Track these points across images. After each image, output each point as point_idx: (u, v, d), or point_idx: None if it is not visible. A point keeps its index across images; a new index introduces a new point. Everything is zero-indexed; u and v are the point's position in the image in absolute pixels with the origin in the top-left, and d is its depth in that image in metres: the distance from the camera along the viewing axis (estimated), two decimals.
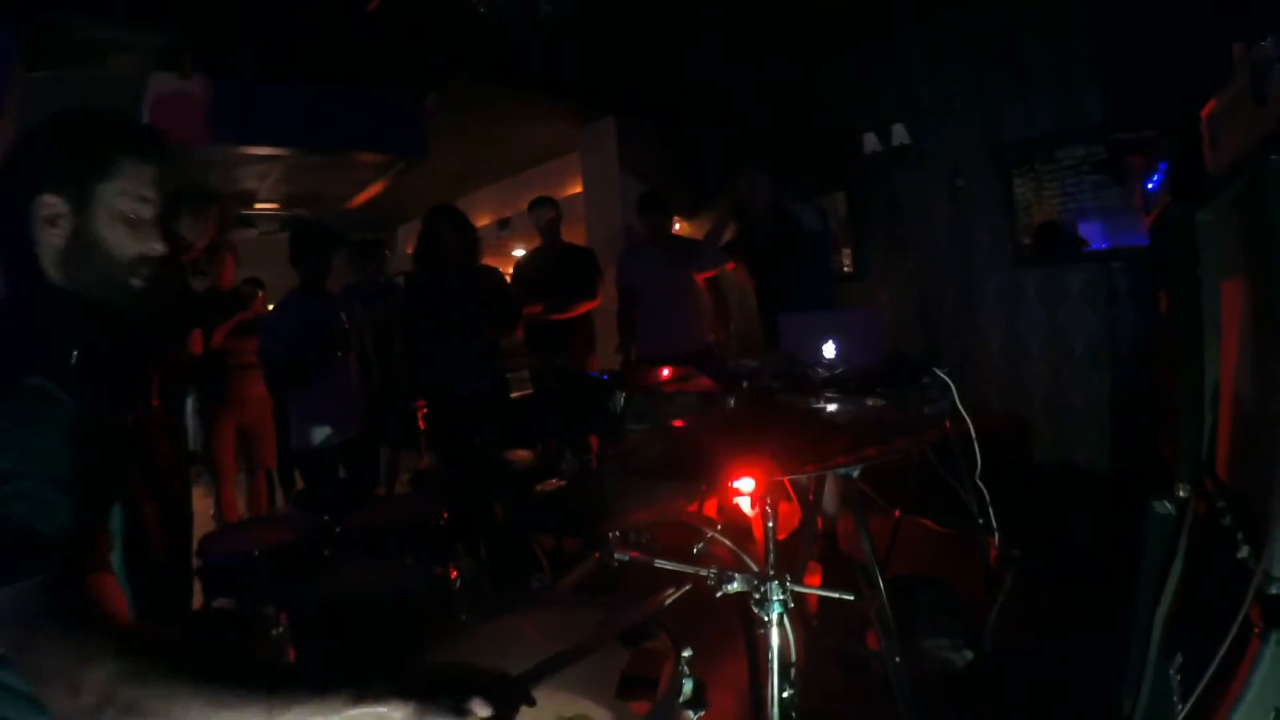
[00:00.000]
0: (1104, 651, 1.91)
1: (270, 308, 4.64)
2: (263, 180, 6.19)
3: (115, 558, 1.09)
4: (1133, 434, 3.97)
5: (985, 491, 2.68)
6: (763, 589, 1.43)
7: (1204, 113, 1.40)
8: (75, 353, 1.06)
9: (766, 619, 1.45)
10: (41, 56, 3.91)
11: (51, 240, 1.08)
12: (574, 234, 6.64)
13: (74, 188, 1.08)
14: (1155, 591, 1.62)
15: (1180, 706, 1.27)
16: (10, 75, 3.69)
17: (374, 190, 6.68)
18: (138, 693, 0.83)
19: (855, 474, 2.22)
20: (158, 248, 1.16)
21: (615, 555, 1.58)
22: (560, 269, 4.89)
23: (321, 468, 3.51)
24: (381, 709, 0.87)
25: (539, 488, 2.51)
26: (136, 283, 1.14)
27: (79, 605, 0.88)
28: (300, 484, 4.09)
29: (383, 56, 4.65)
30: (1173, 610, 1.57)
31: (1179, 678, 1.39)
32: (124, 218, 1.11)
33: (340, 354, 3.44)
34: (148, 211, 1.14)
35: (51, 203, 1.07)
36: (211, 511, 4.72)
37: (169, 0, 3.72)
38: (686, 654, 1.27)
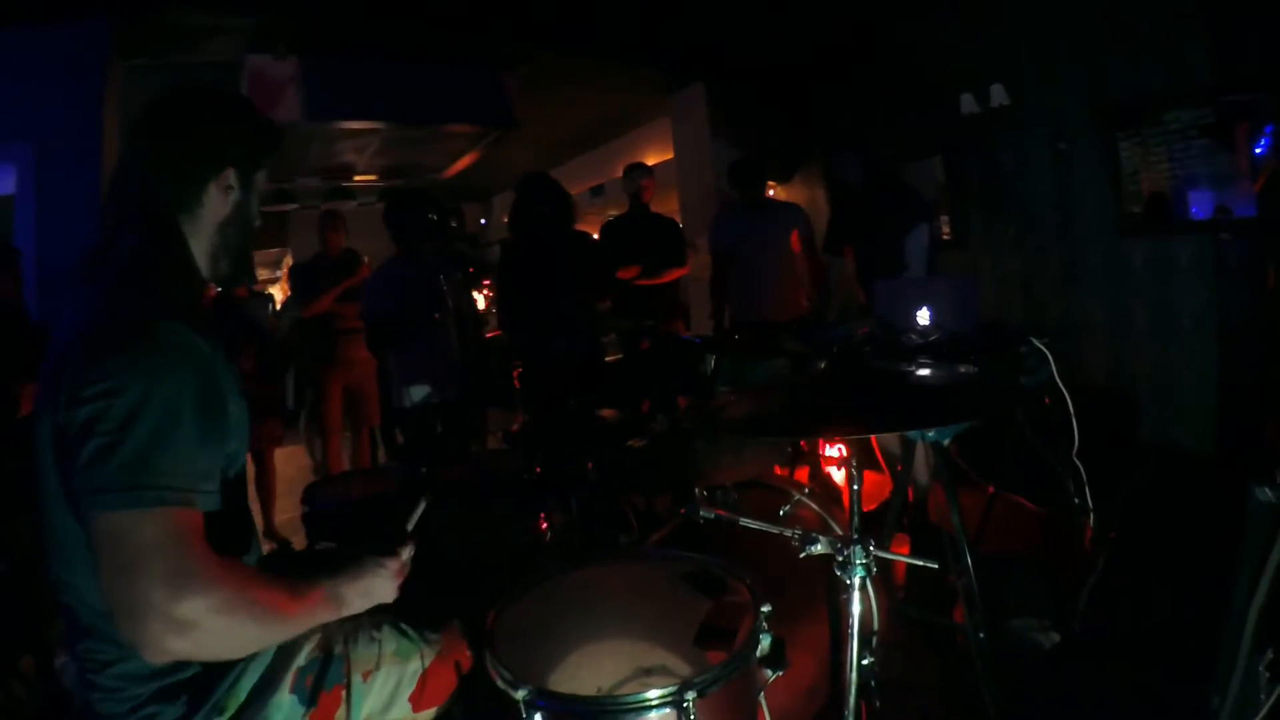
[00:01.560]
0: (1196, 642, 1.83)
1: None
2: (360, 154, 6.42)
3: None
4: (1241, 415, 3.73)
5: (1083, 470, 2.59)
6: (846, 552, 1.43)
7: None
8: (214, 307, 1.25)
9: (849, 583, 1.45)
10: (138, 45, 4.10)
11: (219, 207, 1.28)
12: (667, 201, 6.66)
13: (247, 170, 1.31)
14: (1251, 583, 1.54)
15: (1267, 701, 1.22)
16: (108, 65, 3.90)
17: (467, 160, 6.84)
18: (216, 623, 0.96)
19: (946, 442, 2.19)
20: (259, 222, 1.40)
21: (702, 513, 1.61)
22: (646, 236, 4.90)
23: (421, 425, 3.66)
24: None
25: (629, 445, 2.56)
26: (252, 249, 1.40)
27: (183, 537, 0.98)
28: (401, 441, 4.28)
29: (472, 29, 4.72)
30: (1268, 603, 1.48)
31: (1268, 674, 1.33)
32: (260, 196, 1.37)
33: (438, 316, 3.57)
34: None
35: (230, 176, 1.28)
36: (312, 465, 5.02)
37: None
38: (766, 609, 1.29)
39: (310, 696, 1.23)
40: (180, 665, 1.11)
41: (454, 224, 5.31)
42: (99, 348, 1.03)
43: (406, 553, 1.29)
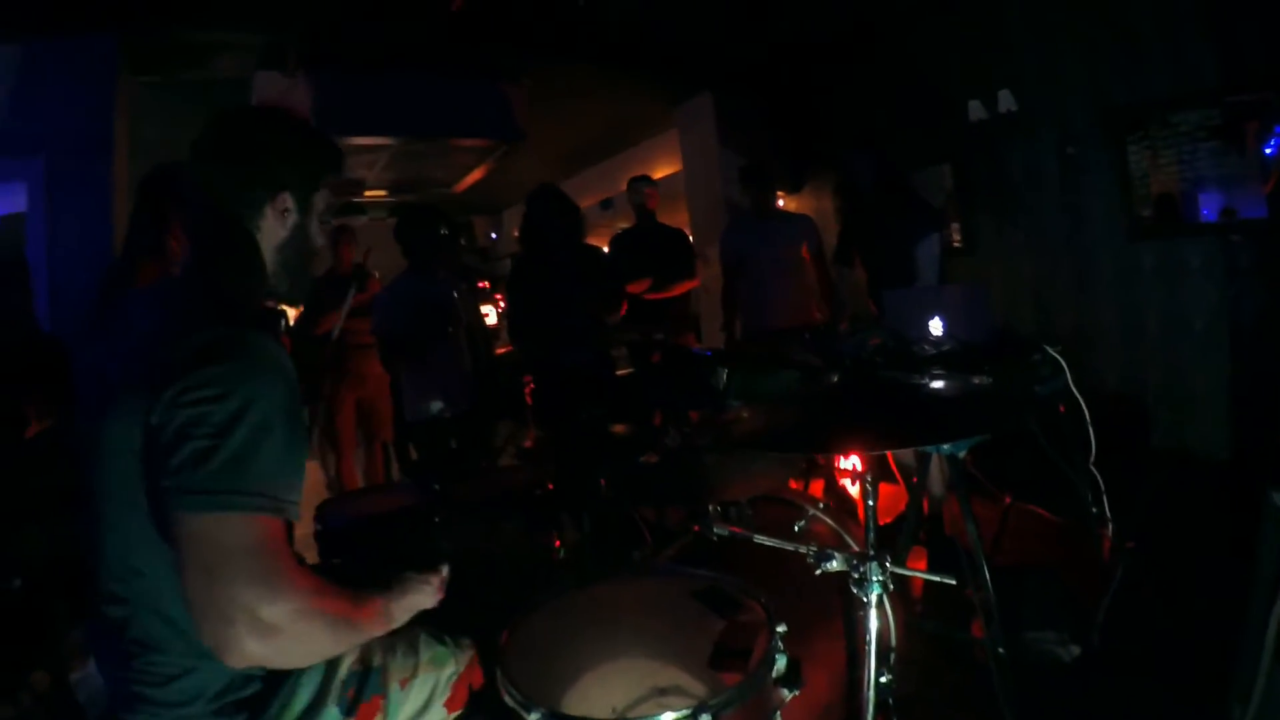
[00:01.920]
0: (1218, 653, 1.79)
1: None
2: (370, 169, 6.44)
3: None
4: (1257, 420, 3.69)
5: (1100, 479, 2.56)
6: (862, 569, 1.42)
7: None
8: (284, 321, 1.29)
9: (865, 600, 1.44)
10: (148, 61, 4.14)
11: (278, 230, 1.31)
12: (675, 212, 6.66)
13: (304, 193, 1.33)
14: (1269, 591, 1.51)
15: None
16: (118, 81, 3.93)
17: (478, 174, 6.85)
18: (297, 627, 1.00)
19: (961, 454, 2.17)
20: (322, 243, 1.40)
21: (715, 529, 1.59)
22: (655, 248, 4.90)
23: (433, 439, 3.67)
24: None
25: (642, 460, 2.55)
26: (311, 269, 1.41)
27: (272, 544, 1.01)
28: (414, 456, 4.28)
29: (479, 43, 4.74)
30: None
31: None
32: (321, 217, 1.38)
33: (451, 331, 3.59)
34: (327, 214, 1.39)
35: (287, 199, 1.30)
36: (325, 481, 5.02)
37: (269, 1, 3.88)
38: (781, 629, 1.28)
39: (351, 707, 1.26)
40: (244, 683, 1.13)
41: (463, 240, 5.34)
42: (204, 354, 1.06)
43: (445, 570, 1.34)
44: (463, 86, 5.36)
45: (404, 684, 1.34)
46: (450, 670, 1.41)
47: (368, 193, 7.19)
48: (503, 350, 5.01)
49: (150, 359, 1.08)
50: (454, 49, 4.84)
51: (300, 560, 1.16)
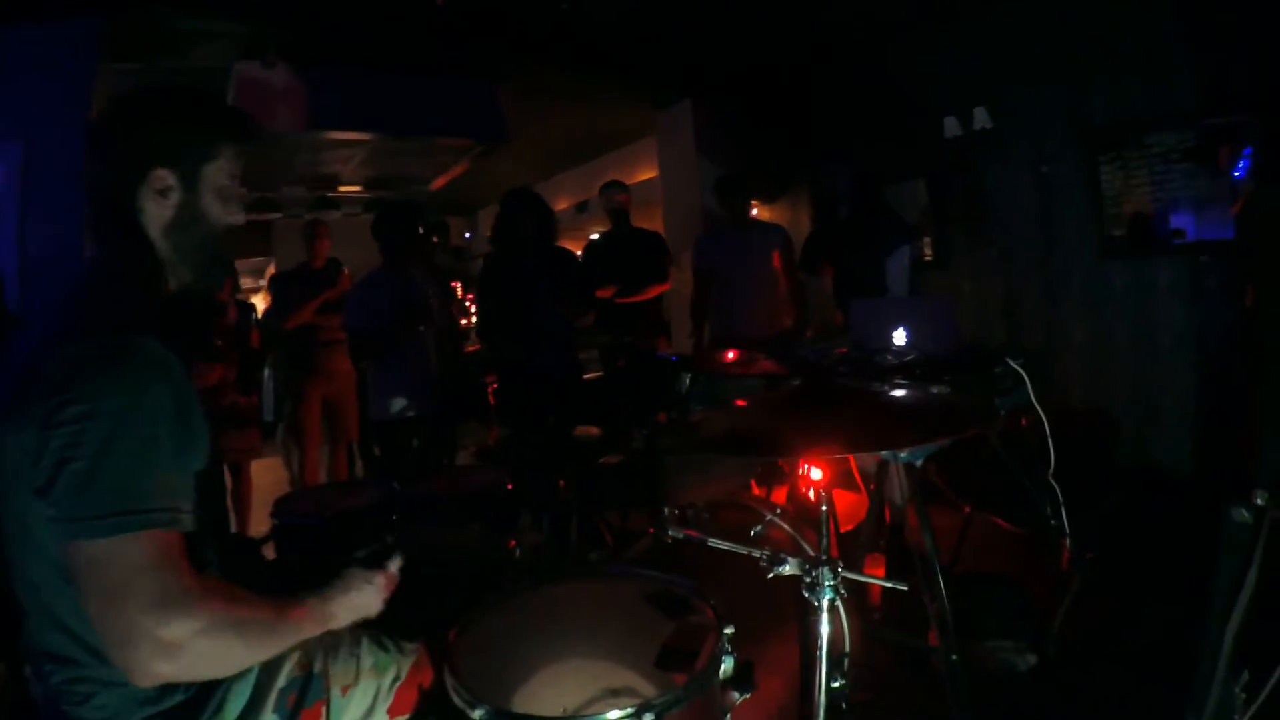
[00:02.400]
0: (1173, 664, 1.82)
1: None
2: (346, 164, 6.41)
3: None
4: (1220, 437, 3.76)
5: (1059, 491, 2.59)
6: (815, 573, 1.42)
7: None
8: (187, 319, 1.23)
9: (818, 604, 1.44)
10: (128, 48, 4.08)
11: (158, 211, 1.20)
12: (651, 218, 6.67)
13: (186, 165, 1.20)
14: (1227, 604, 1.54)
15: None
16: (98, 67, 3.89)
17: (454, 173, 6.84)
18: (201, 645, 0.95)
19: (918, 463, 2.19)
20: (241, 217, 1.29)
21: (671, 533, 1.59)
22: (629, 253, 4.91)
23: (396, 438, 3.64)
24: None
25: (603, 462, 2.55)
26: (222, 248, 1.29)
27: (167, 560, 0.96)
28: (378, 454, 4.25)
29: (461, 42, 4.73)
30: (1243, 625, 1.48)
31: (1244, 696, 1.32)
32: (221, 191, 1.24)
33: (423, 329, 3.56)
34: (234, 185, 1.26)
35: (163, 176, 1.18)
36: (289, 478, 4.97)
37: None
38: (729, 631, 1.28)
39: (291, 715, 1.22)
40: (166, 694, 1.09)
41: (436, 239, 5.32)
42: (71, 367, 0.99)
43: (394, 565, 1.30)
44: (445, 85, 5.34)
45: (345, 690, 1.30)
46: (393, 676, 1.37)
47: (342, 188, 7.15)
48: (471, 349, 4.99)
49: (29, 372, 1.02)
50: (436, 48, 4.82)
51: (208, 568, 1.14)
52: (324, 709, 1.26)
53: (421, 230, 3.80)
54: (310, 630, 1.14)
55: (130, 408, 0.98)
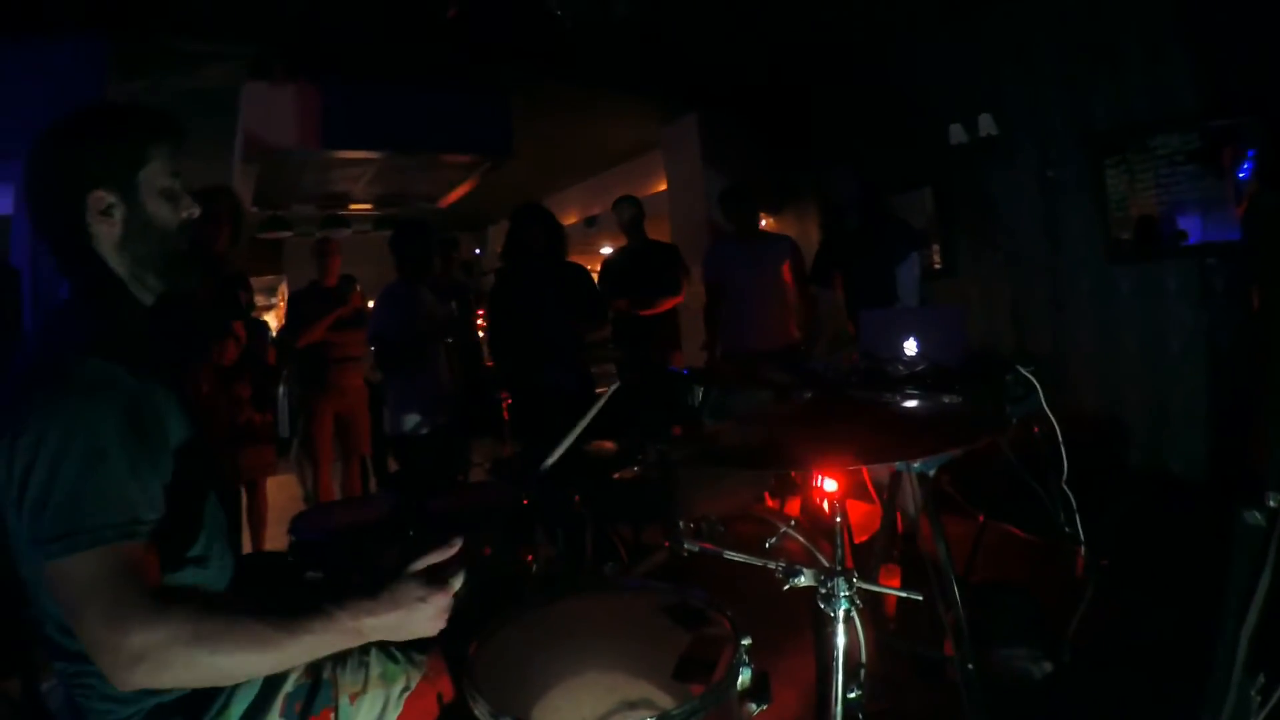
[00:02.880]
0: (1189, 669, 1.82)
1: (370, 302, 4.88)
2: (355, 182, 6.46)
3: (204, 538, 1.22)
4: (1232, 440, 3.74)
5: (1072, 498, 2.60)
6: (830, 584, 1.43)
7: None
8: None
9: (833, 615, 1.45)
10: (137, 68, 4.14)
11: (108, 230, 1.22)
12: (659, 231, 6.69)
13: (120, 179, 1.21)
14: (1241, 608, 1.54)
15: None
16: (108, 86, 3.94)
17: (463, 189, 6.88)
18: (166, 656, 0.94)
19: (931, 473, 2.20)
20: (195, 210, 1.30)
21: (686, 546, 1.60)
22: (645, 266, 4.94)
23: (413, 452, 3.67)
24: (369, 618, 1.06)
25: (617, 477, 2.56)
26: (184, 247, 1.29)
27: (121, 574, 0.98)
28: (393, 469, 4.28)
29: (467, 59, 4.78)
30: (1258, 628, 1.48)
31: (1259, 698, 1.32)
32: (164, 192, 1.25)
33: (450, 340, 3.63)
34: (178, 183, 1.27)
35: (101, 196, 1.20)
36: (303, 494, 4.99)
37: (259, 11, 3.90)
38: (746, 642, 1.29)
39: None
40: (163, 691, 1.12)
41: (452, 254, 5.38)
42: (18, 398, 1.05)
43: (457, 584, 1.16)
44: (451, 101, 5.39)
45: (354, 699, 1.30)
46: (401, 686, 1.37)
47: (352, 206, 7.20)
48: (488, 364, 5.02)
49: (4, 395, 1.08)
50: (442, 64, 4.87)
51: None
52: (332, 716, 1.27)
53: (437, 244, 3.88)
54: (339, 643, 1.07)
55: (72, 428, 1.01)
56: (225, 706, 1.17)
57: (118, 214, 1.21)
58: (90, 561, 0.96)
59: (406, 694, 1.38)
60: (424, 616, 1.10)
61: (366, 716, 1.33)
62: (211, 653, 0.96)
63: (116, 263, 1.23)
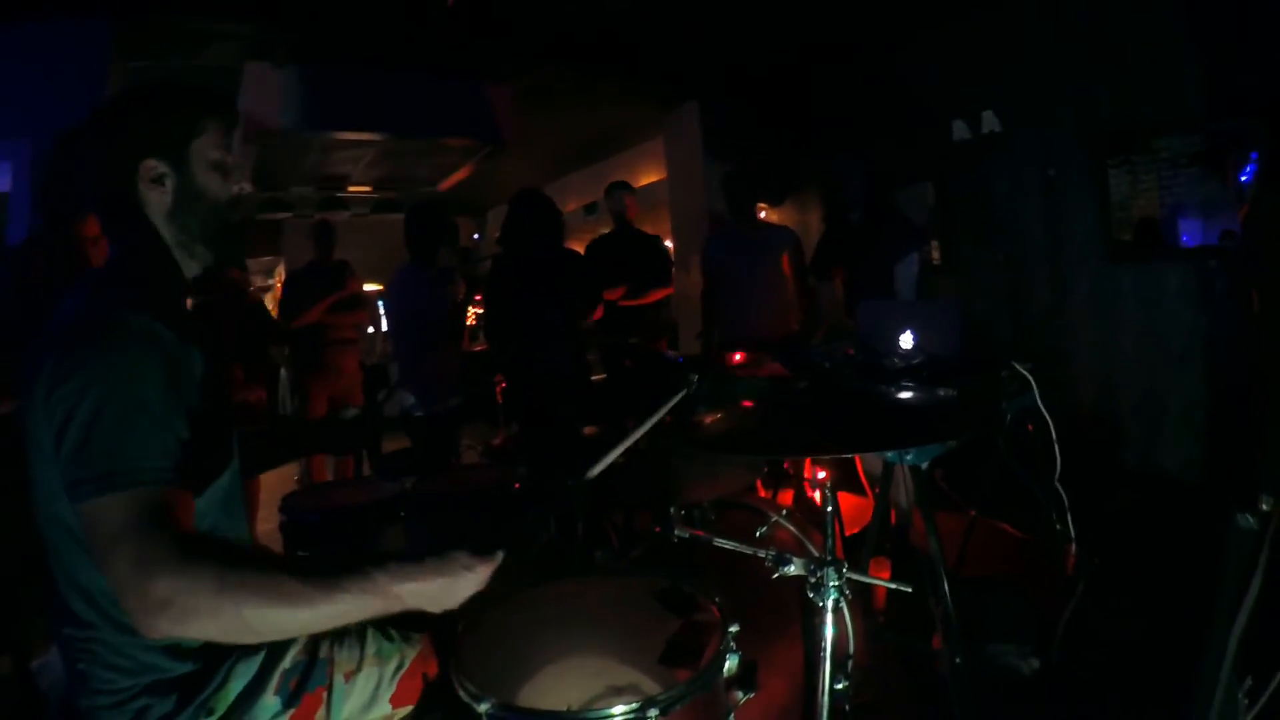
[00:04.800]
0: (1177, 670, 1.83)
1: (367, 285, 4.88)
2: (355, 165, 6.45)
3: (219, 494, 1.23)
4: (1227, 442, 3.75)
5: (1064, 496, 2.60)
6: (819, 574, 1.43)
7: None
8: (187, 299, 1.29)
9: (822, 605, 1.45)
10: (139, 46, 4.13)
11: (159, 198, 1.25)
12: (658, 219, 6.67)
13: (173, 150, 1.25)
14: (1231, 610, 1.54)
15: None
16: (109, 65, 3.92)
17: (462, 174, 6.87)
18: (192, 602, 0.94)
19: (924, 465, 2.20)
20: (245, 186, 1.35)
21: (676, 532, 1.60)
22: (629, 254, 4.91)
23: (412, 434, 3.69)
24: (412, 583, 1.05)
25: (611, 462, 2.55)
26: (234, 219, 1.33)
27: (152, 518, 0.98)
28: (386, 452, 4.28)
29: (469, 43, 4.76)
30: (1248, 631, 1.49)
31: (1247, 701, 1.32)
32: (215, 165, 1.28)
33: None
34: (229, 157, 1.30)
35: (153, 165, 1.23)
36: (295, 476, 4.99)
37: None
38: (734, 629, 1.29)
39: (292, 697, 1.24)
40: (173, 661, 1.13)
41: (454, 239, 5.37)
42: (68, 345, 1.06)
43: (500, 558, 1.15)
44: (451, 86, 5.37)
45: (349, 677, 1.31)
46: (395, 665, 1.38)
47: (351, 188, 7.19)
48: (479, 348, 5.01)
49: (45, 348, 1.09)
50: (444, 49, 4.85)
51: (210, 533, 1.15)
52: (325, 694, 1.27)
53: (449, 229, 3.93)
54: (366, 607, 1.03)
55: (116, 379, 1.03)
56: (224, 682, 1.18)
57: (169, 183, 1.25)
58: (125, 503, 0.98)
59: (401, 673, 1.38)
60: (467, 587, 1.09)
61: (360, 695, 1.33)
62: (237, 604, 0.94)
63: (165, 230, 1.27)
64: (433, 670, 1.42)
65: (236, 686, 1.19)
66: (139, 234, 1.26)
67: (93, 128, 1.26)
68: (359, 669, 1.33)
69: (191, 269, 1.31)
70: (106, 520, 0.97)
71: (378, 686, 1.35)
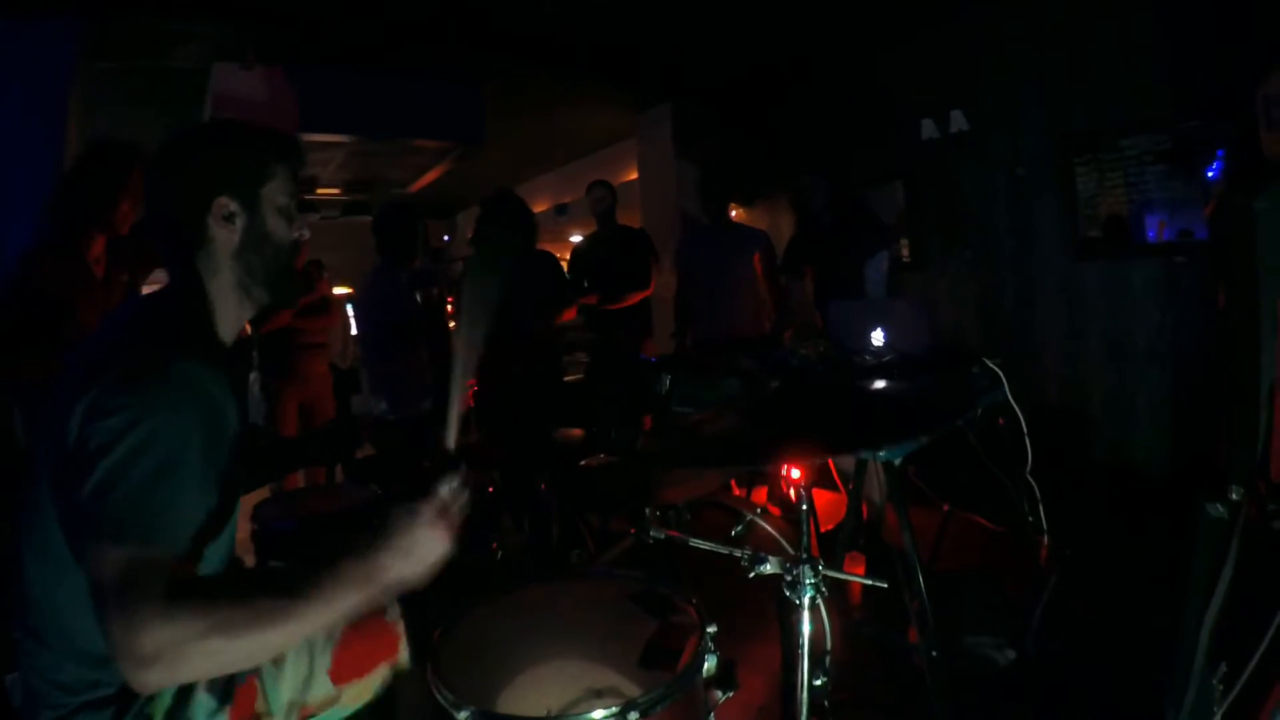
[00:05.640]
0: (1151, 657, 1.86)
1: (336, 289, 4.82)
2: (324, 166, 6.37)
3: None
4: (1194, 435, 3.83)
5: (1036, 489, 2.63)
6: (795, 572, 1.44)
7: (1259, 93, 1.34)
8: (238, 345, 1.32)
9: (799, 603, 1.46)
10: (107, 47, 4.03)
11: (227, 236, 1.27)
12: (630, 220, 6.65)
13: (245, 190, 1.27)
14: (1203, 598, 1.57)
15: (1219, 712, 1.24)
16: (77, 66, 3.84)
17: (433, 175, 6.81)
18: (182, 653, 0.93)
19: (897, 461, 2.21)
20: (306, 232, 1.37)
21: (652, 533, 1.60)
22: (614, 253, 4.91)
23: (379, 441, 3.63)
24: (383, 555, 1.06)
25: (584, 464, 2.55)
26: (292, 264, 1.37)
27: (148, 580, 0.96)
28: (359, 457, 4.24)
29: (441, 44, 4.72)
30: (1220, 618, 1.52)
31: (1221, 687, 1.35)
32: (282, 210, 1.32)
33: (421, 328, 3.63)
34: (294, 204, 1.34)
35: (226, 203, 1.25)
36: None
37: None
38: (712, 630, 1.29)
39: (224, 692, 1.21)
40: (107, 678, 1.12)
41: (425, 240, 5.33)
42: (118, 379, 1.05)
43: (448, 487, 1.13)
44: (423, 86, 5.32)
45: (276, 662, 1.27)
46: (323, 638, 1.33)
47: (320, 190, 7.10)
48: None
49: (86, 365, 1.08)
50: (417, 48, 4.80)
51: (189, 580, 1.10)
52: (258, 683, 1.25)
53: (422, 230, 3.89)
54: (348, 596, 1.03)
55: (160, 430, 1.02)
56: (156, 692, 1.16)
57: (239, 222, 1.27)
58: (128, 557, 0.96)
59: (332, 645, 1.33)
60: (420, 531, 1.09)
61: (294, 676, 1.29)
62: (228, 639, 0.95)
63: (228, 269, 1.28)
64: (369, 641, 1.37)
65: (169, 691, 1.16)
66: (186, 275, 1.27)
67: (166, 158, 1.27)
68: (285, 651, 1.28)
69: (247, 310, 1.33)
70: (106, 566, 0.96)
71: (311, 663, 1.31)
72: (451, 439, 1.18)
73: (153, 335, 1.15)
